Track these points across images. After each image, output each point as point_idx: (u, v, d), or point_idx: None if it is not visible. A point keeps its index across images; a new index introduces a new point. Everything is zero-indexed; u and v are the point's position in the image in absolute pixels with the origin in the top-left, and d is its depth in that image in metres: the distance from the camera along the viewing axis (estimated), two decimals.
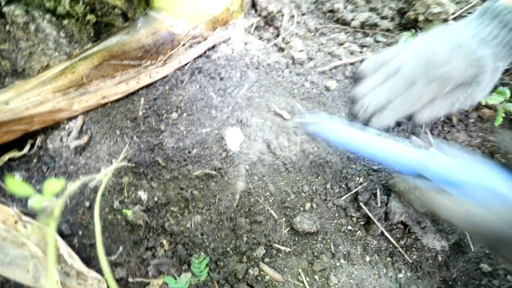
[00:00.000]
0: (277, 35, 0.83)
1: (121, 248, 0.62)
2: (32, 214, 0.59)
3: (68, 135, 0.62)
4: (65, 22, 0.63)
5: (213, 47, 0.69)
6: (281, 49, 0.80)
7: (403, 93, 0.55)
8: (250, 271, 0.59)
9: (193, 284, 0.58)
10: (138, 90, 0.65)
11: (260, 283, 0.58)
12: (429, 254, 0.61)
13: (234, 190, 0.63)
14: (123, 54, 0.61)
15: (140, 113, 0.65)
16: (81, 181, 0.30)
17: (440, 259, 0.61)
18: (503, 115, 0.60)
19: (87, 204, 0.62)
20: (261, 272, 0.60)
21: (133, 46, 0.60)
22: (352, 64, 0.71)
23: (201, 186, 0.64)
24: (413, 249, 0.61)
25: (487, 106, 0.65)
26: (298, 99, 0.71)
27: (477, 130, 0.64)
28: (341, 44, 0.76)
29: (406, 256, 0.60)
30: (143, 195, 0.64)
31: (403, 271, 0.61)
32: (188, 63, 0.67)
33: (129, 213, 0.63)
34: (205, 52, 0.68)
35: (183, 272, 0.60)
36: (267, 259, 0.60)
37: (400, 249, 0.61)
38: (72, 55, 0.59)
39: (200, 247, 0.61)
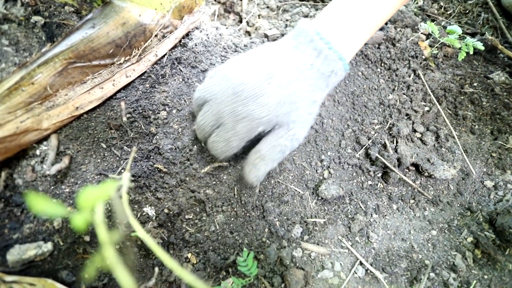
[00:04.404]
0: (240, 21, 0.81)
1: (140, 278, 0.52)
2: (17, 270, 0.45)
3: (42, 161, 0.50)
4: (5, 27, 0.50)
5: (187, 34, 0.63)
6: (248, 33, 0.78)
7: (214, 134, 0.45)
8: (295, 253, 0.55)
9: (243, 286, 0.51)
10: (116, 93, 0.56)
11: (308, 263, 0.55)
12: (442, 186, 0.65)
13: None
14: (91, 53, 0.51)
15: (125, 118, 0.56)
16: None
17: (452, 187, 0.65)
18: (466, 50, 0.67)
19: (86, 238, 0.51)
20: (305, 251, 0.56)
21: (102, 42, 0.52)
22: None
23: (214, 182, 0.58)
24: (429, 185, 0.64)
25: (447, 45, 0.73)
26: None
27: (446, 67, 0.71)
28: (306, 16, 0.77)
29: (425, 193, 0.63)
30: (150, 210, 0.55)
31: (427, 208, 0.63)
32: (165, 55, 0.60)
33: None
34: (180, 41, 0.62)
35: (222, 280, 0.53)
36: (306, 237, 0.57)
37: (418, 189, 0.63)
38: (26, 63, 0.48)
39: (234, 247, 0.55)
